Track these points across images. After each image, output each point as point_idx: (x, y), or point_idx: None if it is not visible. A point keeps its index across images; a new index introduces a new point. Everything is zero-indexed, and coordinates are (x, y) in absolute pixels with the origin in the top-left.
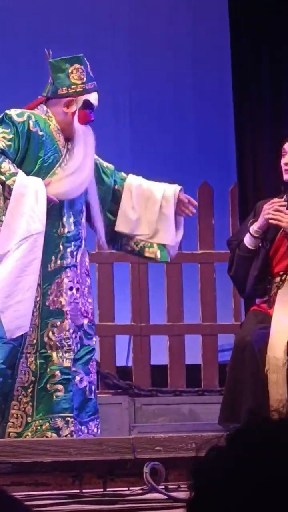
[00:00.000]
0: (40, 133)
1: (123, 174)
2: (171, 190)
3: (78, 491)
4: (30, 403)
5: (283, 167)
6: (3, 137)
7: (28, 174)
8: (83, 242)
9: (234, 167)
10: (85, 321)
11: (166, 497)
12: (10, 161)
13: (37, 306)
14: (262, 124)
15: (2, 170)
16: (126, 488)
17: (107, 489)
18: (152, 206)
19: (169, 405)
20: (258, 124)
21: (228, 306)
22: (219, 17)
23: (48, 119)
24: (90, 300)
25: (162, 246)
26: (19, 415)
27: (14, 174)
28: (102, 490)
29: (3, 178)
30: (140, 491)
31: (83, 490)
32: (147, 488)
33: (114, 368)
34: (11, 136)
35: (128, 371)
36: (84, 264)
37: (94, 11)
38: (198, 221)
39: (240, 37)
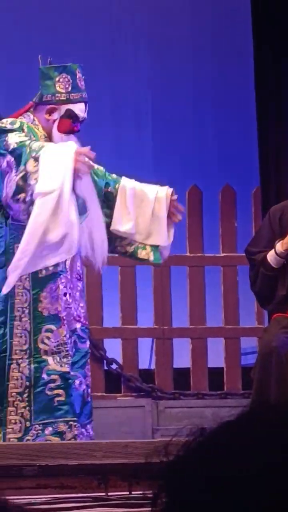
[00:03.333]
0: (33, 139)
1: (114, 175)
2: (163, 191)
3: (103, 494)
4: (27, 408)
5: None
6: (16, 134)
7: None
8: None
9: (257, 170)
10: (78, 325)
11: None
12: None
13: (27, 311)
14: (286, 126)
15: (33, 148)
16: (151, 491)
17: (133, 492)
18: (145, 207)
19: (192, 408)
20: (282, 126)
21: (251, 309)
22: (242, 22)
23: (35, 127)
24: (82, 304)
25: (155, 248)
26: (17, 421)
27: (44, 146)
28: (127, 493)
29: (37, 154)
30: None
31: (109, 493)
32: None
33: (137, 371)
34: (23, 133)
35: (150, 374)
36: (75, 269)
37: (114, 17)
38: (220, 224)
39: (262, 43)
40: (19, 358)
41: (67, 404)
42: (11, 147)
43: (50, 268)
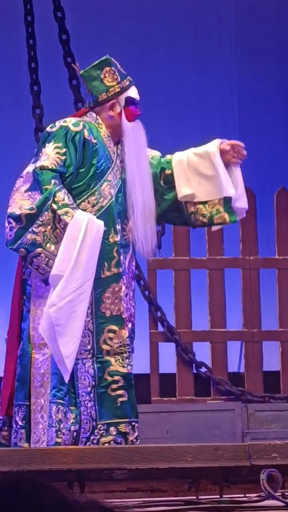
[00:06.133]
0: (94, 141)
1: (168, 156)
2: (212, 146)
3: (194, 497)
4: (93, 407)
5: None
6: (57, 153)
7: (82, 179)
8: (131, 247)
9: None
10: (129, 325)
11: (283, 504)
12: (66, 192)
13: (89, 311)
14: None
15: (55, 199)
16: (242, 495)
17: (223, 496)
18: (202, 169)
19: (282, 411)
20: None
21: None
22: None
23: (98, 126)
24: (133, 304)
25: (228, 208)
26: (87, 420)
27: (67, 205)
28: (218, 496)
29: (55, 206)
30: (257, 498)
31: (199, 497)
32: (264, 495)
33: (226, 374)
34: (64, 150)
35: (240, 377)
36: (131, 269)
37: (199, 19)
38: None
39: None
40: (84, 358)
41: (130, 405)
42: (39, 165)
43: (113, 269)
